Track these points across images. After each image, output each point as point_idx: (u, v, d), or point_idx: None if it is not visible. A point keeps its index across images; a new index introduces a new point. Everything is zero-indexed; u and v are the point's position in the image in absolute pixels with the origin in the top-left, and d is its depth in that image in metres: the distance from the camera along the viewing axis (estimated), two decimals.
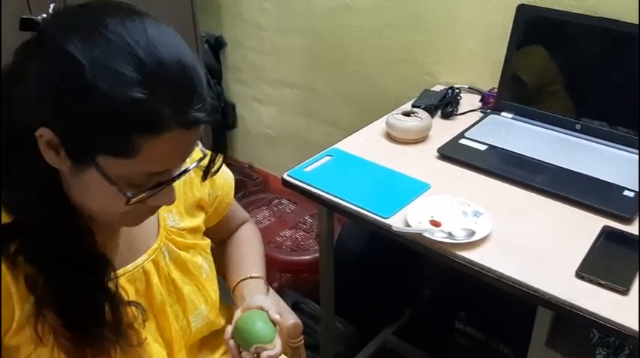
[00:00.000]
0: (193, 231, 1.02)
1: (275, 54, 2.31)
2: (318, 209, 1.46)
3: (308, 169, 1.39)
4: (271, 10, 2.24)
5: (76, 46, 0.66)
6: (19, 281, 0.78)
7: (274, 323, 0.99)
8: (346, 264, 1.78)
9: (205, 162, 0.83)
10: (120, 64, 0.66)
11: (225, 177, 1.10)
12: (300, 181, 1.35)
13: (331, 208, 1.34)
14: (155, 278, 0.94)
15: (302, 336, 1.19)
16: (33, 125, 0.70)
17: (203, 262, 1.02)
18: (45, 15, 0.73)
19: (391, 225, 1.19)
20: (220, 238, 1.19)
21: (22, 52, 0.74)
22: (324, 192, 1.31)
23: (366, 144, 1.51)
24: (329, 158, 1.44)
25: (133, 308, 0.89)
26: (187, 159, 0.78)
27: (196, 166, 0.82)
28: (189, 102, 0.70)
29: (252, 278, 1.10)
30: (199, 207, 1.04)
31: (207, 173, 0.85)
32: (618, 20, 1.40)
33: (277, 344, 0.98)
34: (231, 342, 0.98)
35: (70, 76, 0.66)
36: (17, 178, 0.76)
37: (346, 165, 1.41)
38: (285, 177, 1.38)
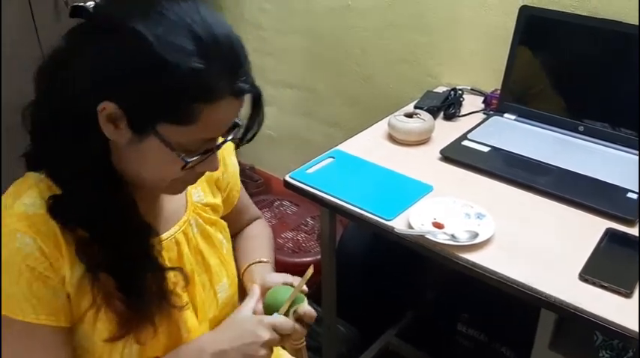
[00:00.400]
0: (214, 208, 1.08)
1: (276, 54, 2.30)
2: (320, 211, 1.45)
3: (310, 171, 1.39)
4: (272, 11, 2.23)
5: (141, 25, 0.74)
6: (70, 246, 0.83)
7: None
8: (348, 266, 1.78)
9: (240, 133, 0.89)
10: (181, 39, 0.74)
11: (235, 166, 1.15)
12: (302, 183, 1.35)
13: (333, 210, 1.34)
14: (185, 249, 0.99)
15: (304, 338, 1.18)
16: (91, 101, 0.76)
17: (223, 239, 1.08)
18: (93, 2, 0.79)
19: (394, 227, 1.19)
20: (232, 232, 1.20)
21: (76, 35, 0.80)
22: (327, 193, 1.31)
23: (368, 145, 1.51)
24: (331, 159, 1.44)
25: (173, 273, 0.94)
26: None
27: (234, 136, 0.88)
28: (238, 73, 0.79)
29: (261, 262, 1.13)
30: (217, 187, 1.10)
31: (242, 139, 0.90)
32: (621, 22, 1.40)
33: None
34: (281, 318, 0.98)
35: (138, 52, 0.74)
36: (67, 153, 0.82)
37: (348, 167, 1.41)
38: (287, 178, 1.37)
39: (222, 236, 1.08)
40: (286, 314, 0.96)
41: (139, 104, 0.77)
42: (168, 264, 0.94)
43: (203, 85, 0.76)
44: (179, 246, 0.98)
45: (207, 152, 0.84)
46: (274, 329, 0.94)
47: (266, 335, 0.92)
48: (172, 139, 0.79)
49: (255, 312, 0.98)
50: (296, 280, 1.01)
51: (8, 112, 1.78)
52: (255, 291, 1.01)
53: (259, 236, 1.23)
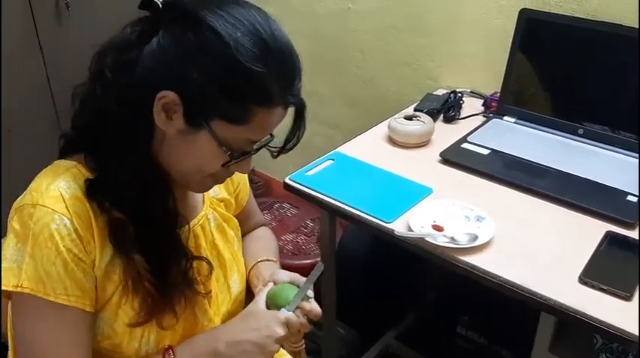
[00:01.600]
0: (228, 204, 1.12)
1: None
2: (320, 213, 1.45)
3: (310, 173, 1.39)
4: (273, 13, 2.21)
5: (220, 25, 0.78)
6: (100, 229, 0.86)
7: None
8: (348, 268, 1.77)
9: (272, 142, 0.93)
10: (250, 41, 0.78)
11: None
12: (302, 185, 1.35)
13: (333, 212, 1.34)
14: (203, 242, 1.02)
15: (303, 340, 1.18)
16: (151, 88, 0.80)
17: (234, 236, 1.10)
18: None
19: (394, 230, 1.19)
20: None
21: (144, 24, 0.83)
22: (326, 196, 1.31)
23: (368, 147, 1.51)
24: (331, 162, 1.44)
25: (198, 262, 0.97)
26: None
27: (267, 144, 0.92)
28: (293, 85, 0.84)
29: (268, 260, 1.15)
30: (228, 183, 1.12)
31: (283, 148, 0.93)
32: (621, 24, 1.40)
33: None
34: (294, 316, 0.99)
35: (216, 50, 0.78)
36: (113, 135, 0.84)
37: (348, 169, 1.41)
38: (287, 181, 1.37)
39: (233, 233, 1.10)
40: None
41: (202, 98, 0.80)
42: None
43: (263, 89, 0.80)
44: (197, 239, 1.01)
45: (247, 153, 0.88)
46: (287, 324, 0.95)
47: (281, 331, 0.93)
48: (222, 135, 0.82)
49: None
50: (303, 280, 1.02)
51: (9, 114, 1.78)
52: (268, 286, 1.03)
53: (266, 238, 1.25)
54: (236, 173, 1.12)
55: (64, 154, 0.92)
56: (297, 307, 0.97)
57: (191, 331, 0.98)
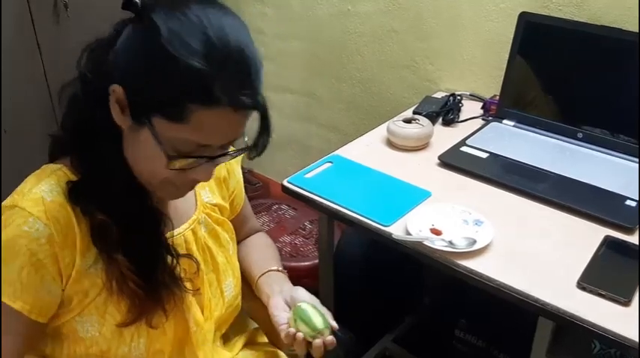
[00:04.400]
0: (222, 209, 1.11)
1: (276, 59, 2.30)
2: (319, 216, 1.45)
3: (308, 176, 1.39)
4: (272, 16, 2.23)
5: (160, 18, 0.77)
6: (83, 233, 0.86)
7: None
8: (345, 271, 1.77)
9: (241, 155, 0.91)
10: (191, 37, 0.76)
11: (240, 175, 1.17)
12: (301, 188, 1.35)
13: (331, 215, 1.33)
14: (194, 247, 1.01)
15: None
16: (110, 83, 0.80)
17: (229, 239, 1.10)
18: None
19: (392, 233, 1.18)
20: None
21: (119, 25, 0.84)
22: (325, 199, 1.31)
23: (367, 150, 1.50)
24: (329, 164, 1.44)
25: (185, 260, 0.97)
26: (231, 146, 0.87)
27: (238, 155, 0.89)
28: (242, 86, 0.78)
29: (279, 271, 1.15)
30: (223, 187, 1.12)
31: (248, 153, 0.90)
32: (621, 29, 1.40)
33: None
34: (291, 329, 1.00)
35: (148, 40, 0.77)
36: (92, 135, 0.85)
37: (347, 172, 1.41)
38: (286, 183, 1.37)
39: (228, 236, 1.10)
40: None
41: (139, 92, 0.79)
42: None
43: (201, 87, 0.76)
44: (187, 244, 1.00)
45: (201, 159, 0.84)
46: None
47: None
48: (164, 135, 0.80)
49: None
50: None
51: (7, 113, 1.78)
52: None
53: (271, 247, 1.25)
54: (231, 179, 1.13)
55: (52, 156, 0.92)
56: (320, 333, 0.98)
57: (181, 334, 0.98)
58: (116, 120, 0.83)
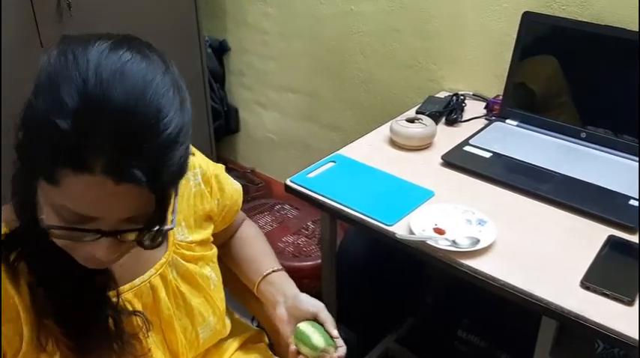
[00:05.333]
0: (202, 243, 1.02)
1: (278, 59, 2.30)
2: (321, 215, 1.45)
3: (311, 175, 1.39)
4: (275, 15, 2.23)
5: (48, 58, 0.66)
6: (23, 296, 0.77)
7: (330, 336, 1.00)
8: (348, 271, 1.77)
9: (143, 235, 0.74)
10: (66, 89, 0.63)
11: (235, 186, 1.12)
12: (303, 187, 1.35)
13: (334, 215, 1.33)
14: (162, 293, 0.94)
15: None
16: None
17: (211, 272, 1.02)
18: None
19: (395, 233, 1.18)
20: (222, 240, 1.19)
21: None
22: (327, 198, 1.30)
23: (370, 150, 1.50)
24: (332, 164, 1.43)
25: (138, 318, 0.89)
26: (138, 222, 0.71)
27: (135, 239, 0.73)
28: (124, 154, 0.64)
29: (274, 271, 1.12)
30: (208, 218, 1.04)
31: (138, 235, 0.74)
32: (625, 28, 1.40)
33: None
34: (293, 347, 0.99)
35: (33, 93, 0.66)
36: (21, 184, 0.75)
37: (349, 172, 1.40)
38: (288, 183, 1.37)
39: (209, 269, 1.02)
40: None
41: (21, 146, 0.69)
42: (140, 310, 0.91)
43: (67, 148, 0.63)
44: (155, 291, 0.93)
45: (87, 232, 0.70)
46: None
47: None
48: (46, 198, 0.69)
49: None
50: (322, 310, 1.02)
51: (9, 114, 1.78)
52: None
53: (257, 238, 1.21)
54: (217, 199, 1.04)
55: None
56: (324, 351, 0.97)
57: None
58: None
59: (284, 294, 1.07)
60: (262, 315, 1.21)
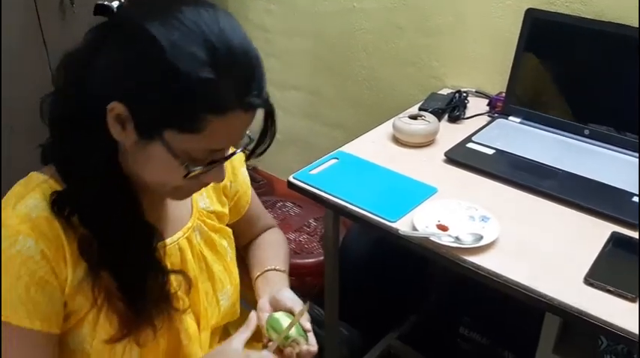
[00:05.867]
0: (220, 216, 1.08)
1: (281, 56, 2.30)
2: (324, 212, 1.45)
3: (314, 172, 1.39)
4: (277, 13, 2.23)
5: (156, 29, 0.73)
6: (72, 246, 0.83)
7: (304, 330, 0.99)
8: (350, 268, 1.77)
9: (251, 146, 0.89)
10: (195, 48, 0.73)
11: (245, 176, 1.15)
12: (306, 184, 1.34)
13: (337, 211, 1.33)
14: (189, 255, 0.99)
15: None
16: (104, 99, 0.76)
17: (228, 247, 1.08)
18: (118, 2, 0.79)
19: (398, 229, 1.18)
20: (244, 241, 1.20)
21: (98, 33, 0.80)
22: (330, 195, 1.30)
23: (373, 147, 1.50)
24: (335, 161, 1.43)
25: (177, 277, 0.94)
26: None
27: (242, 149, 0.89)
28: (250, 87, 0.77)
29: (276, 270, 1.13)
30: (225, 194, 1.10)
31: (253, 152, 0.89)
32: (628, 25, 1.39)
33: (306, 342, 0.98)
34: (265, 337, 0.99)
35: (150, 57, 0.74)
36: (77, 147, 0.81)
37: (352, 168, 1.40)
38: (291, 179, 1.37)
39: (226, 243, 1.07)
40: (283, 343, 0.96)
41: (147, 109, 0.76)
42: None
43: (212, 96, 0.74)
44: (182, 253, 0.98)
45: (214, 163, 0.83)
46: None
47: None
48: (178, 147, 0.78)
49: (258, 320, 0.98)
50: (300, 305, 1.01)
51: (14, 111, 1.78)
52: (251, 321, 0.99)
53: (274, 245, 1.23)
54: (235, 182, 1.11)
55: (45, 163, 0.89)
56: (295, 341, 0.96)
57: (173, 347, 0.96)
58: (116, 137, 0.79)
59: (271, 288, 1.08)
60: None
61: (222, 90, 0.74)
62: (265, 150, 0.89)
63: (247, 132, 0.85)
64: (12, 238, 0.79)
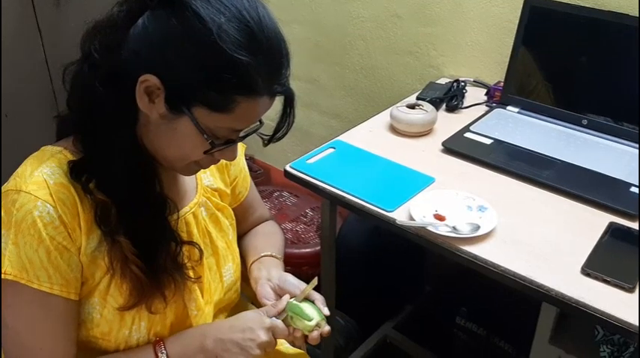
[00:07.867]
0: (223, 194, 1.11)
1: None
2: (321, 202, 1.44)
3: (310, 161, 1.38)
4: (274, 1, 2.21)
5: (205, 11, 0.76)
6: (86, 214, 0.85)
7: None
8: (347, 258, 1.77)
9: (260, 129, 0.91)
10: (238, 32, 0.77)
11: (244, 164, 1.18)
12: (303, 173, 1.34)
13: (334, 201, 1.33)
14: (195, 229, 1.01)
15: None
16: (135, 70, 0.79)
17: (229, 227, 1.10)
18: None
19: (395, 219, 1.17)
20: (240, 231, 1.20)
21: (134, 5, 0.81)
22: (327, 184, 1.30)
23: (370, 136, 1.49)
24: (332, 150, 1.43)
25: (188, 247, 0.97)
26: None
27: (255, 132, 0.91)
28: (281, 75, 0.83)
29: (272, 256, 1.14)
30: (227, 175, 1.13)
31: (272, 137, 0.91)
32: (627, 14, 1.38)
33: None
34: (282, 324, 0.98)
35: (198, 36, 0.76)
36: (99, 115, 0.83)
37: (349, 158, 1.40)
38: (288, 168, 1.36)
39: (228, 222, 1.10)
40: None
41: (183, 84, 0.79)
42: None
43: (248, 79, 0.78)
44: (188, 227, 1.00)
45: (230, 142, 0.87)
46: (272, 331, 0.95)
47: (264, 336, 0.93)
48: (203, 123, 0.82)
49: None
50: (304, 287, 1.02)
51: (10, 101, 1.77)
52: (282, 304, 0.99)
53: (270, 235, 1.23)
54: (233, 166, 1.13)
55: (60, 136, 0.91)
56: (318, 325, 0.97)
57: (181, 318, 0.98)
58: (142, 108, 0.82)
59: (269, 273, 1.08)
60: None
61: (257, 74, 0.78)
62: (284, 135, 0.92)
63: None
64: (31, 203, 0.81)
